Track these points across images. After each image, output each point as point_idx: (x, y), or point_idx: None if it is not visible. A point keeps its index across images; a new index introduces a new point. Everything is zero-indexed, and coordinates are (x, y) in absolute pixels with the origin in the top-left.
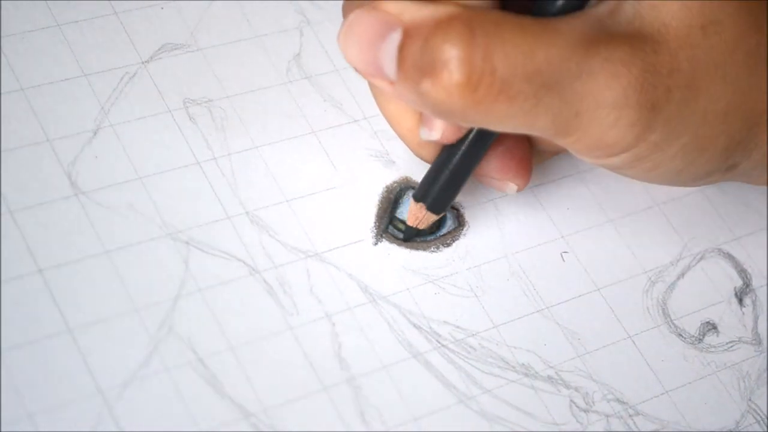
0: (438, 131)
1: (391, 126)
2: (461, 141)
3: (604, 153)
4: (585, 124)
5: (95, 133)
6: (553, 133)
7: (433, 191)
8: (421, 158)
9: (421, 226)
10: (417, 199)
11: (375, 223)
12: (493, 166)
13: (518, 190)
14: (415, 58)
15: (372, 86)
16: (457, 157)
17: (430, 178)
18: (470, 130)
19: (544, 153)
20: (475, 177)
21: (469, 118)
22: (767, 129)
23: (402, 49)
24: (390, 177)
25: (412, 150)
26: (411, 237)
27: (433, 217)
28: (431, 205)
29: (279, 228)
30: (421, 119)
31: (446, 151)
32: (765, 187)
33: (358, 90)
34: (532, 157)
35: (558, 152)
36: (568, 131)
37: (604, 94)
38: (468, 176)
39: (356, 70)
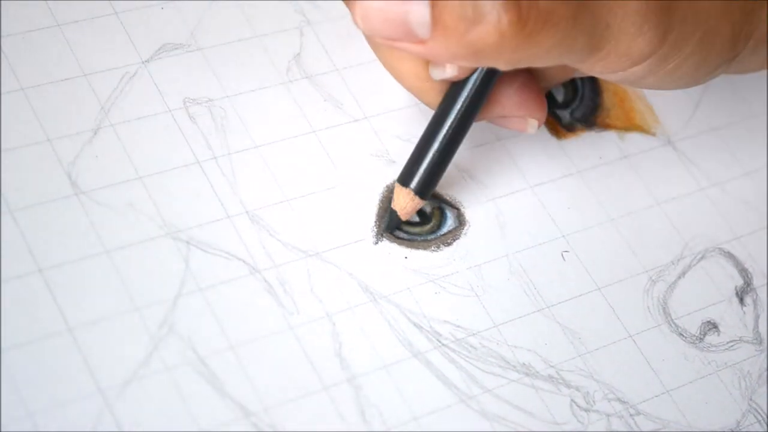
0: (452, 67)
1: (398, 78)
2: (458, 92)
3: (631, 62)
4: (615, 35)
5: (95, 133)
6: (588, 52)
7: (419, 171)
8: (428, 104)
9: (407, 214)
10: (402, 183)
11: (375, 222)
12: (513, 102)
13: (539, 126)
14: (456, 11)
15: (379, 47)
16: (444, 130)
17: (414, 158)
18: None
19: (548, 84)
20: (494, 122)
21: (516, 57)
22: (765, 16)
23: (437, 6)
24: (390, 176)
25: (418, 96)
26: (394, 227)
27: (419, 203)
28: (417, 187)
29: (279, 227)
30: (430, 62)
31: (428, 132)
32: (765, 186)
33: (358, 90)
34: (542, 90)
35: (559, 82)
36: (600, 45)
37: (630, 4)
38: (455, 150)
39: (378, 37)
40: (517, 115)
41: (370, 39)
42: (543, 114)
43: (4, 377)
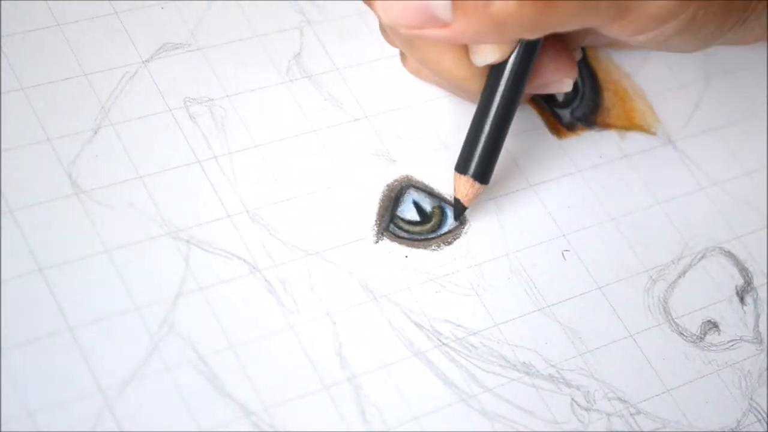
0: (495, 52)
1: (439, 71)
2: (499, 74)
3: (657, 23)
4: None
5: (95, 133)
6: (614, 16)
7: (475, 157)
8: (467, 94)
9: (469, 201)
10: (461, 170)
11: (376, 221)
12: (549, 70)
13: (573, 81)
14: None
15: (419, 49)
16: (493, 112)
17: (469, 144)
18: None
19: (575, 44)
20: (532, 90)
21: (539, 24)
22: None
23: None
24: (391, 175)
25: (461, 85)
26: (458, 215)
27: (479, 188)
28: (476, 172)
29: (280, 226)
30: (471, 48)
31: (477, 116)
32: (765, 186)
33: (358, 89)
34: (572, 52)
35: (581, 41)
36: (626, 9)
37: None
38: (506, 131)
39: (403, 27)
40: (553, 80)
41: (406, 43)
42: (575, 71)
43: (4, 377)
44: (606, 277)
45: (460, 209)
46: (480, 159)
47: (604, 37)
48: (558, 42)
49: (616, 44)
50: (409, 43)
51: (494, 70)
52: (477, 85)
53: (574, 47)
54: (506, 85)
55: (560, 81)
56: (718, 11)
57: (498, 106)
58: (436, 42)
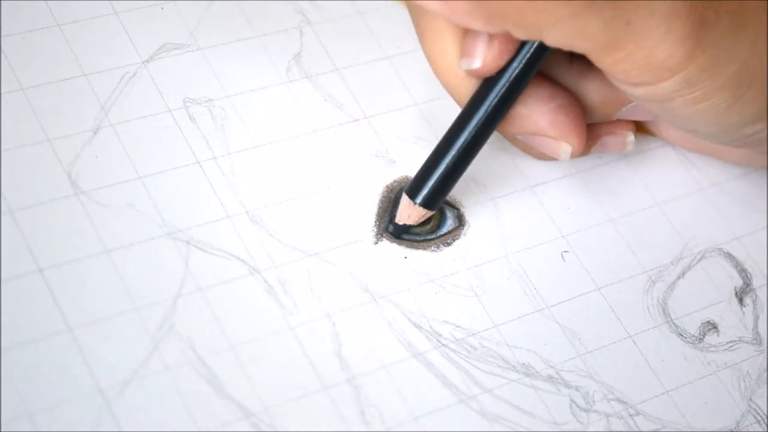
0: (479, 58)
1: (432, 63)
2: (485, 92)
3: (654, 75)
4: (636, 35)
5: (95, 133)
6: (603, 44)
7: (428, 184)
8: (457, 98)
9: (411, 222)
10: (410, 195)
11: (375, 222)
12: (547, 120)
13: (572, 154)
14: None
15: (420, 25)
16: (458, 144)
17: (426, 168)
18: (502, 73)
19: (609, 108)
20: (527, 140)
21: (525, 19)
22: None
23: None
24: (390, 176)
25: (449, 89)
26: (399, 233)
27: (426, 213)
28: (424, 201)
29: (279, 227)
30: (461, 51)
31: (445, 139)
32: (764, 187)
33: (358, 89)
34: (584, 120)
35: (621, 105)
36: (618, 43)
37: (659, 5)
38: (470, 160)
39: None
40: (550, 135)
41: (412, 14)
42: (579, 141)
43: (4, 377)
44: (605, 278)
45: (400, 231)
46: (432, 189)
47: (639, 110)
48: (571, 102)
49: (666, 136)
50: (415, 18)
51: (477, 93)
52: (462, 96)
53: (589, 119)
54: (484, 111)
55: (556, 142)
56: (726, 87)
57: (466, 138)
58: (438, 23)
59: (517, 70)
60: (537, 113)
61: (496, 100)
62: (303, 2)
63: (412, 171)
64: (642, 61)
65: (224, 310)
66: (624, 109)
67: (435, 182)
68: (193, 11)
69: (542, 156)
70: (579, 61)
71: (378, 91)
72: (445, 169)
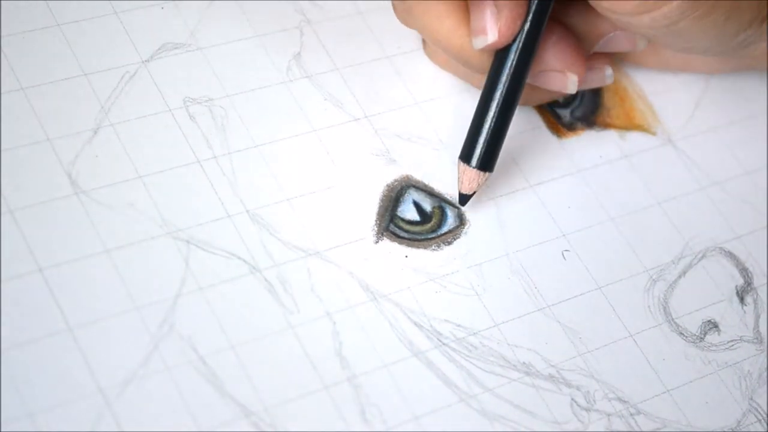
0: (492, 33)
1: (442, 46)
2: (505, 58)
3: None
4: None
5: (95, 132)
6: None
7: (479, 145)
8: (475, 69)
9: (473, 189)
10: (465, 160)
11: (376, 221)
12: (551, 55)
13: (579, 83)
14: None
15: (418, 15)
16: (496, 100)
17: (473, 133)
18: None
19: (590, 41)
20: (532, 80)
21: None
22: None
23: None
24: (391, 175)
25: (458, 58)
26: (465, 202)
27: (485, 176)
28: (480, 162)
29: (279, 226)
30: (471, 30)
31: (481, 104)
32: (765, 186)
33: (358, 89)
34: (583, 48)
35: (600, 37)
36: None
37: None
38: (510, 119)
39: None
40: (556, 68)
41: (406, 13)
42: (582, 68)
43: (4, 377)
44: (606, 277)
45: (464, 198)
46: (484, 148)
47: (620, 41)
48: (566, 33)
49: (632, 58)
50: (408, 12)
51: (497, 56)
52: (477, 58)
53: (588, 48)
54: (509, 72)
55: (563, 75)
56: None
57: (501, 93)
58: (437, 6)
59: (529, 29)
60: (541, 50)
61: (515, 61)
62: (303, 2)
63: (412, 170)
64: None
65: (224, 309)
66: (602, 41)
67: (485, 141)
68: (193, 11)
69: (546, 97)
70: None
71: (378, 91)
72: (491, 127)
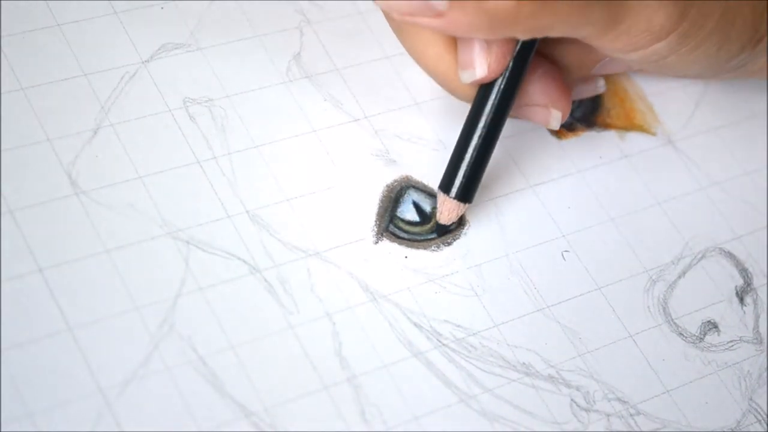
0: (482, 67)
1: (429, 72)
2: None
3: (651, 38)
4: (635, 9)
5: (95, 133)
6: (606, 25)
7: (459, 176)
8: (460, 97)
9: (452, 219)
10: (444, 190)
11: (376, 221)
12: (535, 90)
13: (562, 119)
14: None
15: (407, 35)
16: (479, 131)
17: (453, 163)
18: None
19: (586, 67)
20: (516, 113)
21: (533, 24)
22: None
23: None
24: (390, 176)
25: (453, 92)
26: (443, 233)
27: (462, 208)
28: (459, 193)
29: (279, 227)
30: (459, 63)
31: (464, 134)
32: (765, 186)
33: (358, 89)
34: (568, 85)
35: (595, 62)
36: (619, 19)
37: None
38: (491, 150)
39: (397, 14)
40: (539, 103)
41: (395, 29)
42: (566, 105)
43: (4, 377)
44: (606, 277)
45: (442, 228)
46: (464, 180)
47: (615, 64)
48: (551, 67)
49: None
50: (398, 29)
51: (481, 88)
52: (461, 88)
53: (569, 79)
54: (493, 104)
55: (546, 110)
56: (715, 31)
57: (483, 126)
58: (426, 31)
59: (514, 63)
60: (525, 83)
61: (500, 94)
62: (303, 2)
63: (412, 170)
64: (640, 30)
65: (224, 309)
66: (597, 65)
67: (465, 174)
68: (193, 11)
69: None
70: None
71: (378, 91)
72: (472, 158)
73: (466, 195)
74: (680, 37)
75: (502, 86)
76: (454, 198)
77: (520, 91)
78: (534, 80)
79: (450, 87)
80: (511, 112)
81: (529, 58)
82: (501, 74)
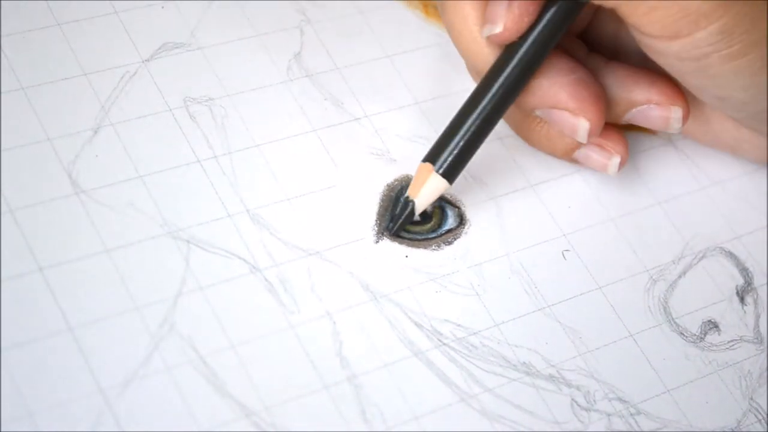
0: (501, 23)
1: (452, 30)
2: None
3: (689, 23)
4: None
5: (96, 132)
6: None
7: (448, 151)
8: (478, 66)
9: (427, 199)
10: (430, 161)
11: (376, 221)
12: (567, 92)
13: (590, 133)
14: None
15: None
16: (486, 101)
17: (444, 137)
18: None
19: (622, 108)
20: (543, 114)
21: None
22: None
23: None
24: (391, 175)
25: (469, 57)
26: (399, 225)
27: (441, 186)
28: (445, 169)
29: (280, 226)
30: (485, 18)
31: (462, 112)
32: (765, 186)
33: (358, 88)
34: (605, 100)
35: (633, 105)
36: None
37: None
38: (493, 125)
39: None
40: (569, 107)
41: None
42: (599, 117)
43: (4, 377)
44: (606, 277)
45: (409, 219)
46: (452, 155)
47: (652, 116)
48: (590, 78)
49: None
50: (442, 9)
51: (499, 59)
52: (480, 55)
53: (619, 115)
54: (507, 76)
55: (575, 117)
56: (760, 45)
57: (490, 98)
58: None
59: (538, 36)
60: (557, 84)
61: (518, 66)
62: (303, 1)
63: (412, 170)
64: (676, 6)
65: (225, 309)
66: (634, 110)
67: (455, 150)
68: (193, 10)
69: (553, 148)
70: (596, 54)
71: (378, 90)
72: (465, 137)
73: (451, 171)
74: (722, 32)
75: (519, 57)
76: (438, 172)
77: (550, 91)
78: (567, 83)
79: (469, 50)
80: (539, 114)
81: (554, 38)
82: (518, 34)
